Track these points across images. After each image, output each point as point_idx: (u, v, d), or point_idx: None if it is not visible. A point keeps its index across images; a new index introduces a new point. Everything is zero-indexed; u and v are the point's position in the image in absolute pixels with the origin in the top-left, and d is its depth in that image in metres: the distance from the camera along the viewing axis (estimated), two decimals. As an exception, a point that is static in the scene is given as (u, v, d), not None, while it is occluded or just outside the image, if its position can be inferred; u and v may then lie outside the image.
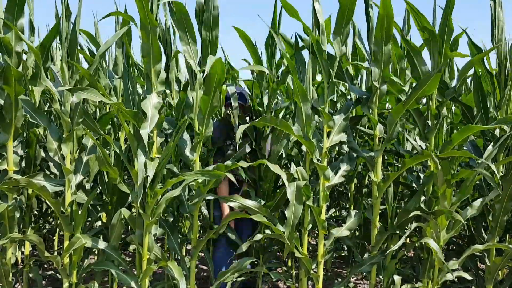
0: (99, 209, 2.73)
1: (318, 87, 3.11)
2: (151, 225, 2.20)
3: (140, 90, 3.04)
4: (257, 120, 2.17)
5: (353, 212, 2.57)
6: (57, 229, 3.60)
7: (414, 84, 2.38)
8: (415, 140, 2.94)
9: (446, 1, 2.12)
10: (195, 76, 2.32)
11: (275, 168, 2.24)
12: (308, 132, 2.30)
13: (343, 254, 3.37)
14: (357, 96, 2.51)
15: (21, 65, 2.23)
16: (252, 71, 3.15)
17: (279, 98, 3.39)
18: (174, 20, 2.25)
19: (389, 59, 2.21)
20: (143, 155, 2.08)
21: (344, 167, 2.52)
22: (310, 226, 2.46)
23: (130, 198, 2.22)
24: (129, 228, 3.07)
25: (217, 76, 2.14)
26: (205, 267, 3.73)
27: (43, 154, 2.67)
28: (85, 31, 2.91)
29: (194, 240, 2.37)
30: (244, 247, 2.36)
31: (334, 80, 2.37)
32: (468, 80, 3.33)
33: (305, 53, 2.57)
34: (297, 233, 2.40)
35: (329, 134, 2.39)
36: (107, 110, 2.93)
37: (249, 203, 2.33)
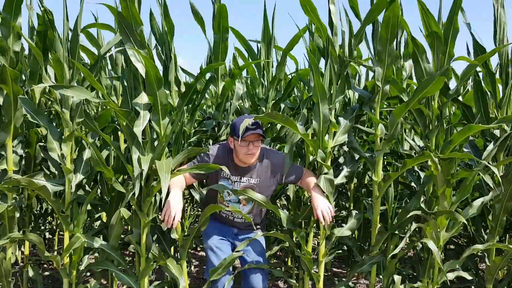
0: (99, 208, 2.73)
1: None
2: (148, 224, 2.20)
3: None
4: (262, 115, 2.09)
5: (354, 212, 2.57)
6: (57, 229, 3.60)
7: (416, 86, 2.37)
8: (413, 139, 2.94)
9: (453, 1, 2.11)
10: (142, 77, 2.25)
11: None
12: (323, 133, 2.31)
13: (340, 255, 3.38)
14: (359, 96, 2.52)
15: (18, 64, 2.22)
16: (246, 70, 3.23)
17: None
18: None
19: (393, 59, 2.21)
20: (138, 152, 2.08)
21: (347, 168, 2.53)
22: (315, 225, 2.46)
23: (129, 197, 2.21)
24: (129, 228, 3.07)
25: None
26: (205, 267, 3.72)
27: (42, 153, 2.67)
28: (85, 31, 2.90)
29: (179, 240, 2.35)
30: (242, 245, 2.35)
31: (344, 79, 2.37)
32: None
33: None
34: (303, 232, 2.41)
35: (333, 134, 2.41)
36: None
37: (258, 196, 2.29)
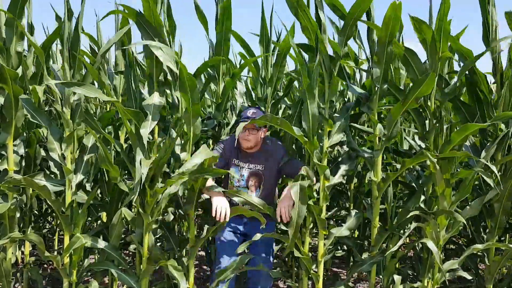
0: (99, 208, 2.73)
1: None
2: (151, 225, 2.20)
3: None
4: (257, 118, 2.17)
5: (353, 212, 2.57)
6: (57, 229, 3.60)
7: (410, 84, 2.38)
8: (413, 139, 2.95)
9: (441, 2, 2.12)
10: (176, 76, 2.29)
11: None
12: (314, 132, 2.31)
13: (340, 255, 3.38)
14: (356, 96, 2.52)
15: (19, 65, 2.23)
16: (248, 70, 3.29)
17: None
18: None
19: (391, 59, 2.21)
20: (142, 154, 2.09)
21: (344, 167, 2.53)
22: (311, 225, 2.46)
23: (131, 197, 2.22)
24: (129, 228, 3.08)
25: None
26: (205, 267, 3.73)
27: (43, 153, 2.67)
28: (85, 33, 2.92)
29: (191, 240, 2.36)
30: (242, 247, 2.35)
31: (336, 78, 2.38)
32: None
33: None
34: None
35: (329, 133, 2.40)
36: (108, 109, 2.94)
37: (254, 199, 2.34)
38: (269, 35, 2.84)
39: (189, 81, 2.04)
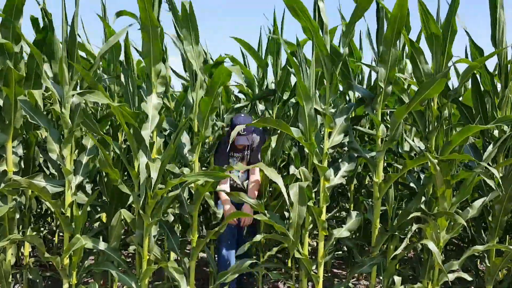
0: (99, 209, 2.72)
1: (320, 88, 3.14)
2: (151, 226, 2.20)
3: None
4: (257, 120, 2.18)
5: (353, 213, 2.57)
6: (57, 230, 3.60)
7: (417, 88, 2.37)
8: (413, 140, 2.94)
9: (450, 2, 2.11)
10: (195, 76, 2.34)
11: (271, 173, 2.20)
12: (311, 133, 2.30)
13: (340, 256, 3.38)
14: (360, 96, 2.51)
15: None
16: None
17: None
18: (178, 19, 2.29)
19: (396, 60, 2.20)
20: (145, 156, 2.08)
21: (344, 168, 2.52)
22: (311, 226, 2.46)
23: (131, 199, 2.23)
24: (129, 229, 3.07)
25: (221, 80, 2.20)
26: (205, 268, 3.72)
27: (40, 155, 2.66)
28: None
29: (193, 241, 2.37)
30: (241, 250, 2.36)
31: (338, 79, 2.37)
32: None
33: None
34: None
35: (329, 134, 2.39)
36: (105, 111, 2.93)
37: (250, 200, 2.35)
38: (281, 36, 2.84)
39: (220, 85, 2.13)
